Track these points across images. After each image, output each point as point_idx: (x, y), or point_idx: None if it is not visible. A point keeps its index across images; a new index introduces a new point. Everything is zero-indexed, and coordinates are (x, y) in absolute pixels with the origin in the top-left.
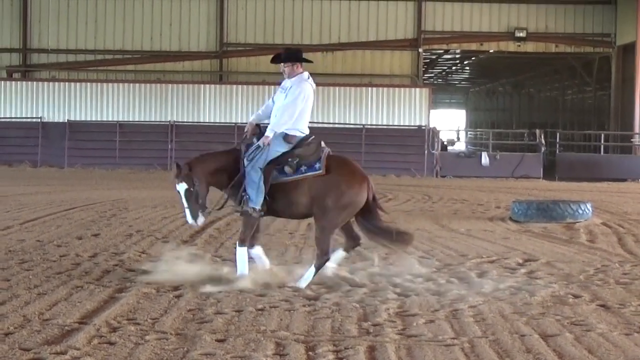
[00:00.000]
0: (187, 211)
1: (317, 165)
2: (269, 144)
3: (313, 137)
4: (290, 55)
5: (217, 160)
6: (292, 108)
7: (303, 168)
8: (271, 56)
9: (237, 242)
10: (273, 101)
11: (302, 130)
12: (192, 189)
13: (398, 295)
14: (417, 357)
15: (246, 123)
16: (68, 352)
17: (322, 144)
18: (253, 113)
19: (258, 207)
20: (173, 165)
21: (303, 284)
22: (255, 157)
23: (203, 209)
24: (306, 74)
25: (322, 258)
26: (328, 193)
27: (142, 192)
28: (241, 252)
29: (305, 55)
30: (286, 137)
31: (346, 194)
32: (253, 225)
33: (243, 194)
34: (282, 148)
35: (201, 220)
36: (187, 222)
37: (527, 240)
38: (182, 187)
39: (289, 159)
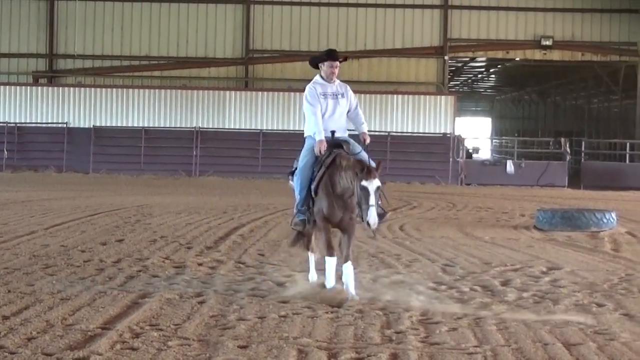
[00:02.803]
0: (373, 210)
1: None
2: None
3: None
4: (339, 54)
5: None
6: None
7: None
8: (297, 63)
9: (350, 260)
10: (321, 109)
11: None
12: (380, 187)
13: (421, 302)
14: None
15: (271, 130)
16: (90, 357)
17: None
18: (278, 120)
19: None
20: (366, 162)
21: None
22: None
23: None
24: None
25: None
26: None
27: (167, 198)
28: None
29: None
30: None
31: None
32: None
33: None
34: None
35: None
36: (368, 222)
37: (552, 248)
38: (376, 183)
39: None
